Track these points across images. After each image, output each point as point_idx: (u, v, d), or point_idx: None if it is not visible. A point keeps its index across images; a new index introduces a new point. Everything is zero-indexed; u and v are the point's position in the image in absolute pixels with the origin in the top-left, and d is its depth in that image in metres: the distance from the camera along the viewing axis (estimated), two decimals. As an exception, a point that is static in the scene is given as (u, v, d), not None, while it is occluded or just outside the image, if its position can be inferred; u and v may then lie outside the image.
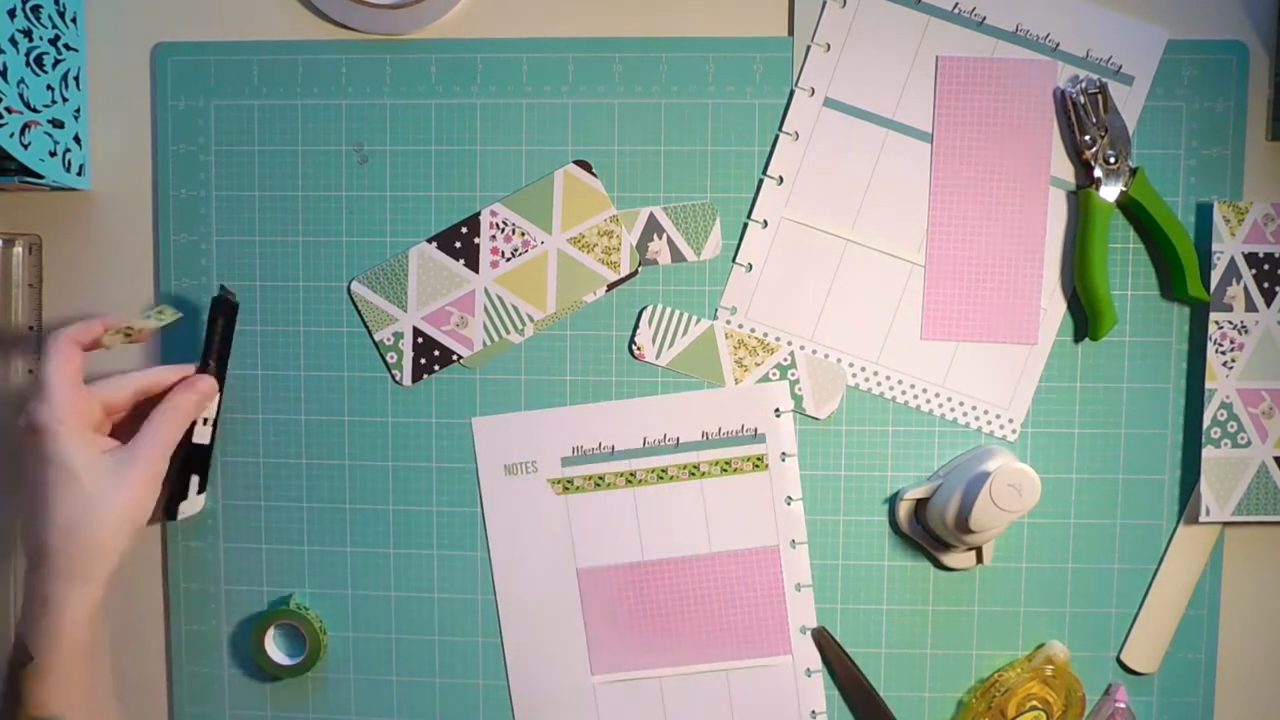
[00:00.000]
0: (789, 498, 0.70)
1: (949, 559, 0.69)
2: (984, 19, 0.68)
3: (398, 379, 0.71)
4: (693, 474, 0.70)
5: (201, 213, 0.71)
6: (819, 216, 0.69)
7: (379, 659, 0.72)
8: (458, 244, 0.70)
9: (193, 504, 0.70)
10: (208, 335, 0.68)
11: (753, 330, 0.70)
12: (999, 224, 0.69)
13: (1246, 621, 0.70)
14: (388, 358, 0.71)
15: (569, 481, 0.71)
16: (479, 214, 0.70)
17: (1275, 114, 0.68)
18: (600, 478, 0.70)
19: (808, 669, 0.71)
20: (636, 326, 0.70)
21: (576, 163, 0.70)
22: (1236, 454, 0.67)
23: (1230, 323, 0.67)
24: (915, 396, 0.70)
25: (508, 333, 0.70)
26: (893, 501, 0.70)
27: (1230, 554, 0.70)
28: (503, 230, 0.70)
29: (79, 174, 0.71)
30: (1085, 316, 0.69)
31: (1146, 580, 0.70)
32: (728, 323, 0.70)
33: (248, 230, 0.71)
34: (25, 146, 0.65)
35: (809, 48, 0.69)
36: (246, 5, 0.71)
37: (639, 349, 0.70)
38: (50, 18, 0.67)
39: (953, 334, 0.69)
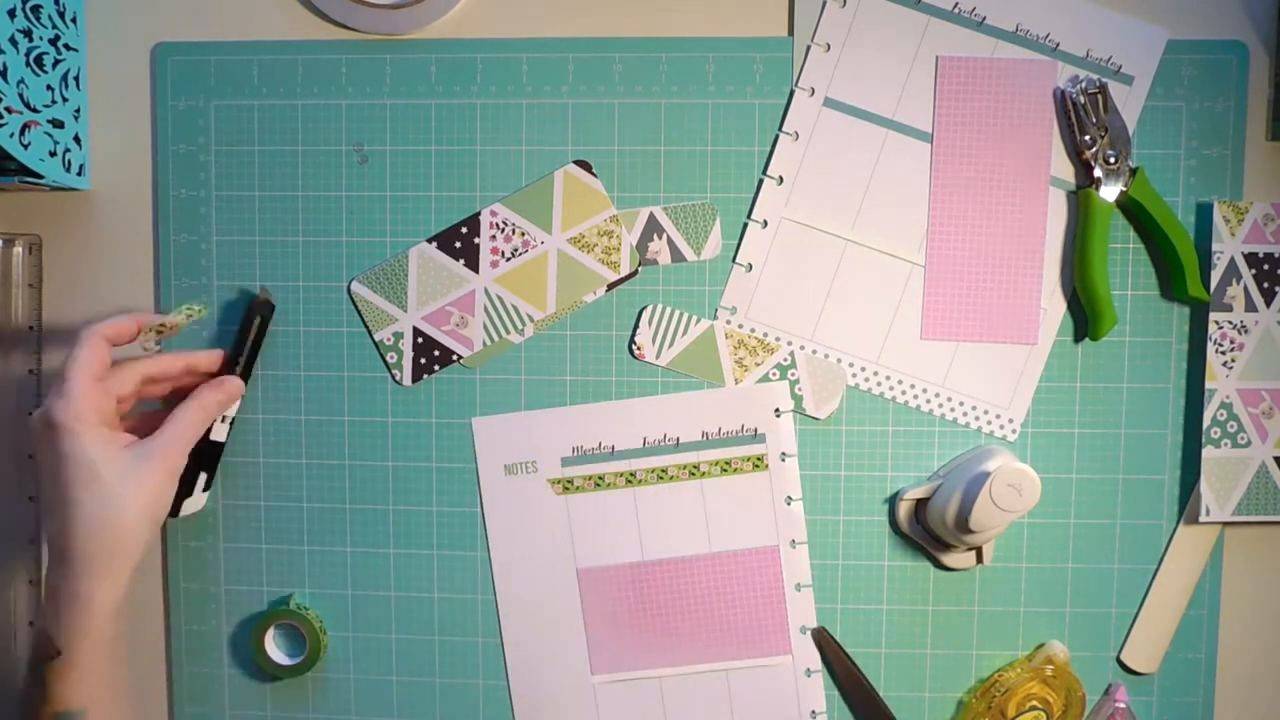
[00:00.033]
0: (789, 498, 0.70)
1: (949, 559, 0.69)
2: (984, 19, 0.68)
3: (398, 379, 0.71)
4: (693, 474, 0.70)
5: (201, 213, 0.71)
6: (819, 216, 0.69)
7: (379, 659, 0.72)
8: (458, 244, 0.70)
9: (195, 501, 0.70)
10: (240, 335, 0.68)
11: (753, 330, 0.70)
12: (999, 224, 0.69)
13: (1246, 621, 0.70)
14: (388, 358, 0.71)
15: (569, 481, 0.71)
16: (479, 214, 0.70)
17: (1275, 114, 0.68)
18: (600, 478, 0.70)
19: (808, 669, 0.71)
20: (636, 326, 0.70)
21: (576, 163, 0.70)
22: (1236, 454, 0.67)
23: (1230, 323, 0.67)
24: (915, 396, 0.70)
25: (508, 333, 0.70)
26: (893, 501, 0.70)
27: (1230, 554, 0.70)
28: (503, 230, 0.70)
29: (79, 174, 0.71)
30: (1085, 316, 0.68)
31: (1146, 580, 0.70)
32: (728, 323, 0.70)
33: (248, 230, 0.71)
34: (25, 146, 0.65)
35: (809, 48, 0.69)
36: (246, 5, 0.71)
37: (639, 349, 0.70)
38: (50, 18, 0.67)
39: (953, 334, 0.69)
